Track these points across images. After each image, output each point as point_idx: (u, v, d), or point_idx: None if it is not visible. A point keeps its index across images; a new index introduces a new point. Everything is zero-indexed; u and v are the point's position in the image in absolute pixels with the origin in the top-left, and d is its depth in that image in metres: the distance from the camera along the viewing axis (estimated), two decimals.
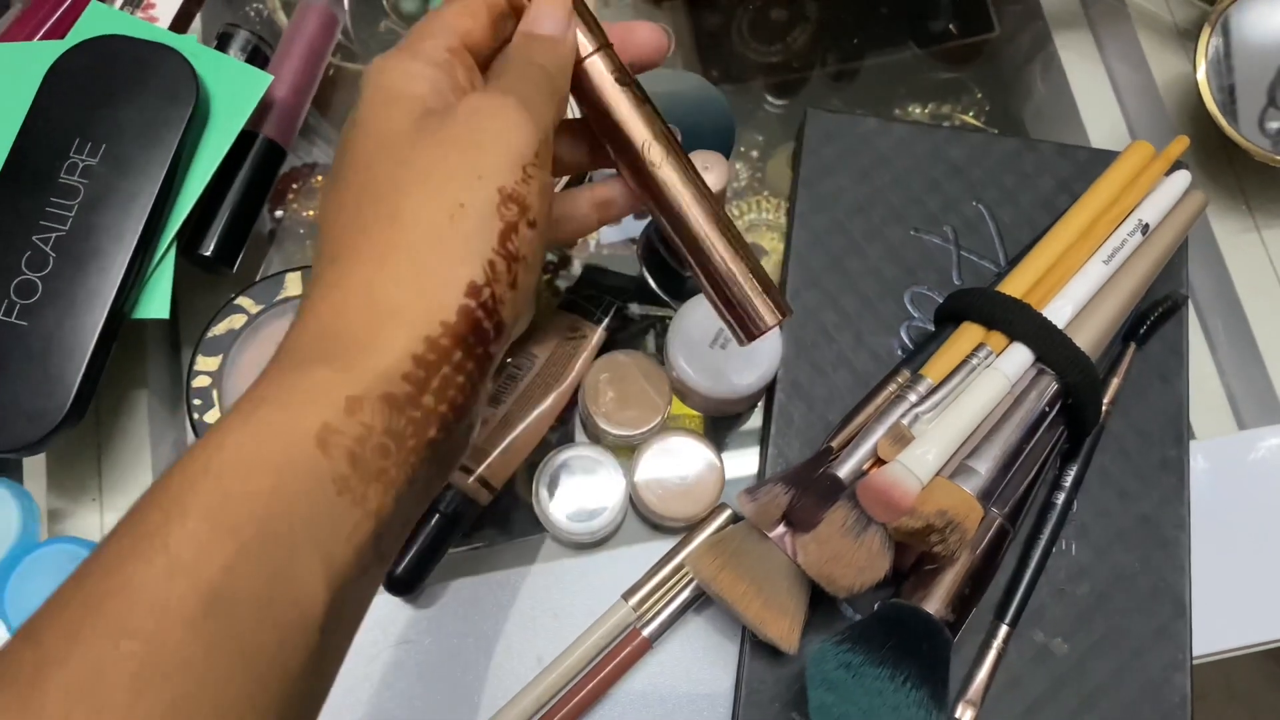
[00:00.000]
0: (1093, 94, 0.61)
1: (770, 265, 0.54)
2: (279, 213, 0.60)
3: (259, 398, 0.27)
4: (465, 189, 0.29)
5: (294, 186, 0.61)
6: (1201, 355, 0.55)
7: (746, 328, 0.35)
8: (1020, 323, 0.44)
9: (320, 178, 0.62)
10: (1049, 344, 0.43)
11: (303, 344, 0.28)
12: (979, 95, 0.68)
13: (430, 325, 0.28)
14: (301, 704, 0.26)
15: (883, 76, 0.68)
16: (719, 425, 0.51)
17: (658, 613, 0.46)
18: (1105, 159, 0.50)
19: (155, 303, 0.46)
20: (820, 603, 0.45)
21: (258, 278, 0.51)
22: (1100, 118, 0.60)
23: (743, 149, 0.59)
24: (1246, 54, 0.54)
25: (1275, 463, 0.50)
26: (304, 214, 0.60)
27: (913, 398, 0.43)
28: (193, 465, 0.25)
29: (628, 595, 0.46)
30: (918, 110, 0.67)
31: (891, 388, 0.45)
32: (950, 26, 0.68)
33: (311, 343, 0.28)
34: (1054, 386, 0.43)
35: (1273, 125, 0.54)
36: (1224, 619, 0.47)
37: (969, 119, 0.67)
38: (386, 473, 0.27)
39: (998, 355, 0.44)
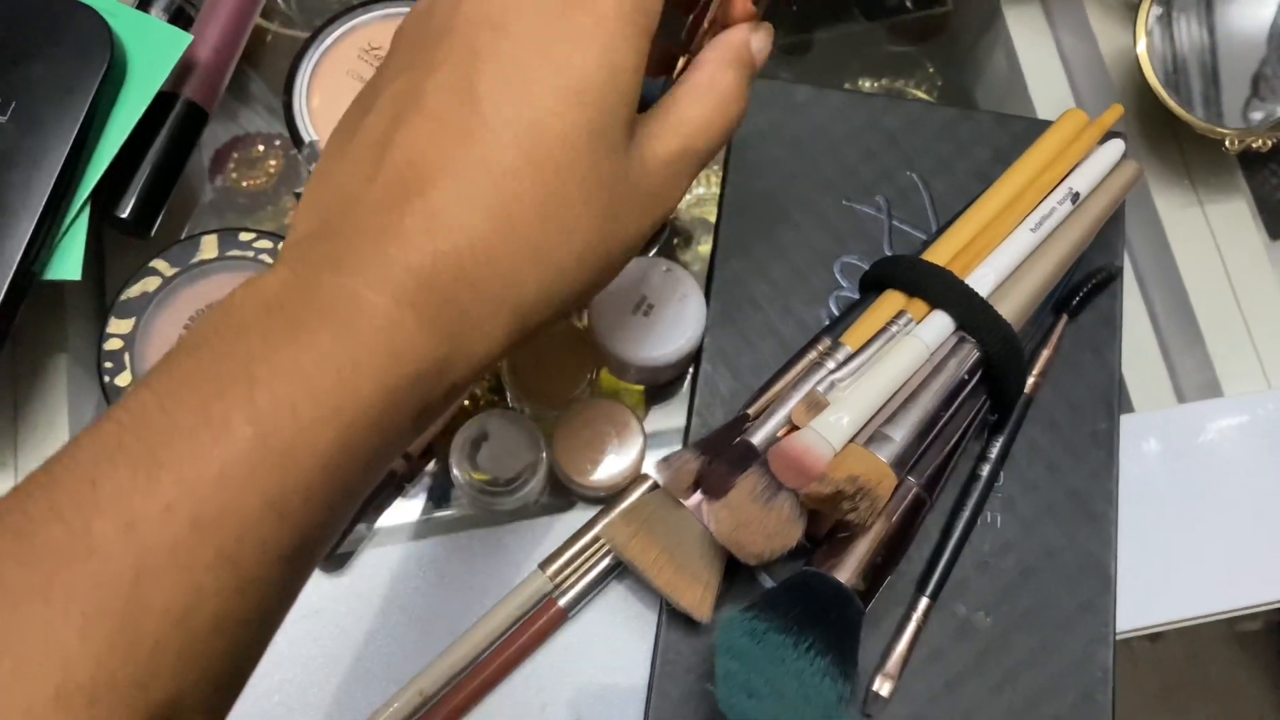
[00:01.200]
0: (1041, 68, 0.60)
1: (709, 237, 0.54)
2: (219, 181, 0.59)
3: (387, 322, 0.26)
4: (619, 254, 0.30)
5: (234, 156, 0.61)
6: (1144, 329, 0.54)
7: None
8: (940, 289, 0.43)
9: (261, 148, 0.62)
10: (969, 311, 0.42)
11: (423, 271, 0.26)
12: (930, 70, 0.67)
13: (523, 330, 0.29)
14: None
15: (834, 51, 0.67)
16: (652, 398, 0.51)
17: (575, 583, 0.45)
18: (1043, 129, 0.50)
19: (68, 264, 0.45)
20: (739, 573, 0.44)
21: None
22: (1048, 93, 0.59)
23: None
24: (1229, 40, 0.53)
25: (1211, 437, 0.50)
26: (243, 184, 0.60)
27: (830, 365, 0.43)
28: (349, 349, 0.25)
29: (544, 565, 0.45)
30: (868, 85, 0.66)
31: (811, 355, 0.44)
32: (904, 1, 0.67)
33: (423, 286, 0.26)
34: (975, 355, 0.43)
35: (1256, 115, 0.53)
36: (1150, 594, 0.47)
37: (920, 94, 0.66)
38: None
39: (918, 323, 0.43)
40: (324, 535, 0.26)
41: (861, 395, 0.41)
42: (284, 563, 0.24)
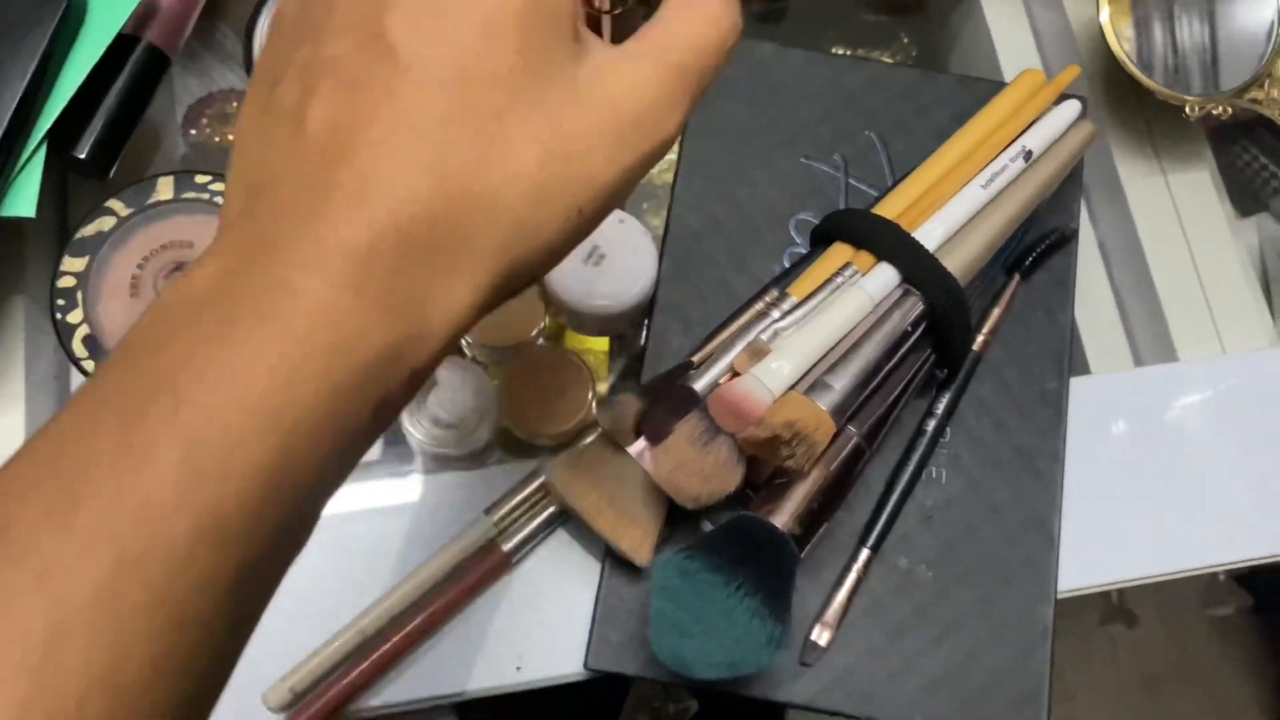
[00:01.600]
0: (1013, 40, 0.60)
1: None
2: (192, 135, 0.60)
3: (355, 289, 0.23)
4: (590, 200, 0.26)
5: (208, 111, 0.61)
6: (1103, 294, 0.54)
7: None
8: (887, 242, 0.43)
9: (235, 104, 0.62)
10: (914, 263, 0.43)
11: (360, 247, 0.23)
12: (905, 40, 0.67)
13: (490, 293, 0.25)
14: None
15: (809, 18, 0.67)
16: (616, 356, 0.51)
17: (519, 529, 0.45)
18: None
19: (22, 201, 0.45)
20: (681, 520, 0.44)
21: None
22: (1020, 64, 0.59)
23: None
24: (1230, 28, 0.53)
25: (1165, 401, 0.50)
26: (216, 139, 0.60)
27: (775, 314, 0.43)
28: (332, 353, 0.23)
29: (490, 510, 0.46)
30: (842, 53, 0.66)
31: (758, 306, 0.44)
32: None
33: (361, 264, 0.23)
34: (919, 307, 0.43)
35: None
36: (1094, 555, 0.47)
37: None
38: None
39: (864, 274, 0.43)
40: (277, 556, 0.23)
41: (803, 343, 0.41)
42: (229, 594, 0.21)
